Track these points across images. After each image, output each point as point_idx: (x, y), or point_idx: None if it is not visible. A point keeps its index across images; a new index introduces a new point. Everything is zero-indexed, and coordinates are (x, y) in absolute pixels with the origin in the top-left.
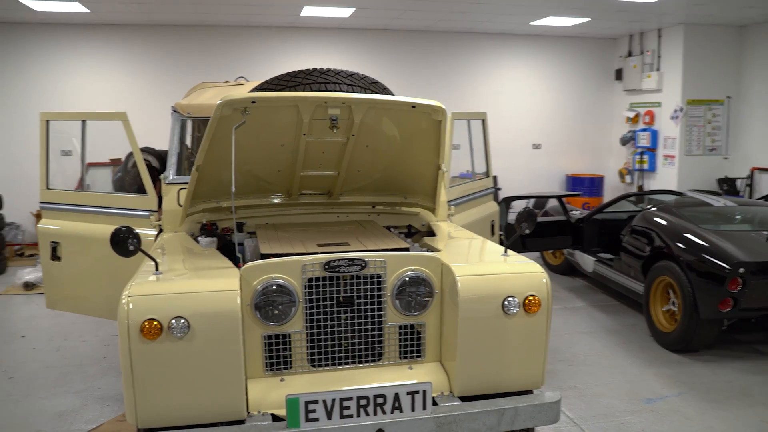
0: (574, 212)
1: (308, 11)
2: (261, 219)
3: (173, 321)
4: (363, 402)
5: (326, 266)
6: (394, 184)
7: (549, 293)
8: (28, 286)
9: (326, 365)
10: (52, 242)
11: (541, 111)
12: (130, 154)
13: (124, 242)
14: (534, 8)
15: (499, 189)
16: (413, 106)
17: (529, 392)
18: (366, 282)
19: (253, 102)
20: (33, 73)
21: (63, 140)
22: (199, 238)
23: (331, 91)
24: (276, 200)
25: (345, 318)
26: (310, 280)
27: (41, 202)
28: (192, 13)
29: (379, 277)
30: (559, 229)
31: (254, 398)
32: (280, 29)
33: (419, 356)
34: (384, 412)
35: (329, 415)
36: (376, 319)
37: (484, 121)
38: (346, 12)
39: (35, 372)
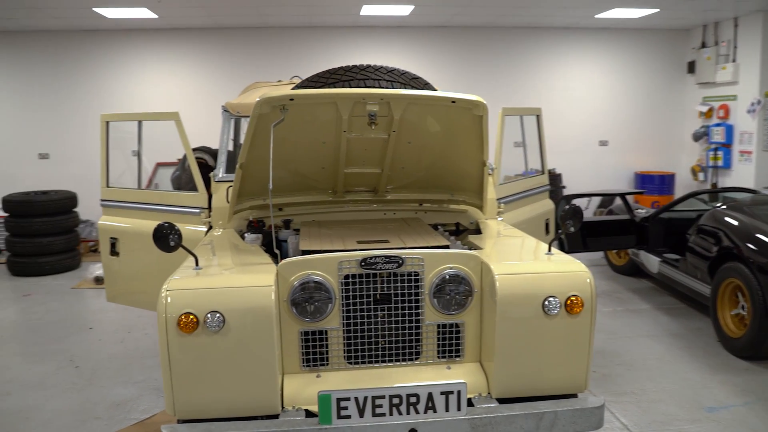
0: (639, 211)
1: (368, 10)
2: (308, 216)
3: (209, 315)
4: (396, 401)
5: (362, 263)
6: (441, 181)
7: (593, 294)
8: (99, 280)
9: (363, 363)
10: (111, 238)
11: (608, 107)
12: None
13: (166, 238)
14: (600, 0)
15: (563, 187)
16: (453, 101)
17: (572, 396)
18: (403, 280)
19: (291, 99)
20: (105, 78)
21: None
22: (246, 235)
23: (369, 87)
24: (322, 198)
25: (382, 316)
26: (346, 276)
27: (102, 200)
28: (254, 15)
29: (417, 274)
30: (623, 229)
31: (290, 393)
32: (341, 29)
33: (458, 356)
34: (417, 412)
35: (361, 413)
36: (413, 318)
37: (538, 117)
38: (405, 10)
39: (99, 362)
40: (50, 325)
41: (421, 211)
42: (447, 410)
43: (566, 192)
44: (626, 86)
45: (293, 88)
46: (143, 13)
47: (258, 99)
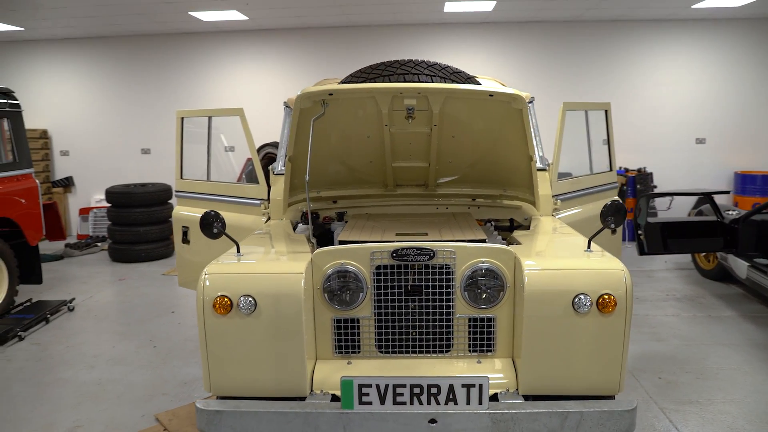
0: (730, 212)
1: (451, 6)
2: (362, 209)
3: (242, 298)
4: (416, 390)
5: (394, 254)
6: (491, 176)
7: (628, 293)
8: None
9: (394, 352)
10: (183, 227)
11: (705, 102)
12: (260, 147)
13: (210, 225)
14: None
15: (654, 187)
16: (491, 94)
17: (606, 398)
18: (435, 272)
19: (330, 94)
20: (200, 77)
21: (226, 137)
22: (298, 225)
23: (408, 81)
24: (374, 191)
25: (413, 307)
26: (378, 267)
27: (176, 191)
28: (339, 14)
29: (448, 267)
30: (710, 231)
31: (320, 378)
32: (424, 26)
33: (489, 351)
34: (438, 403)
35: (382, 400)
36: (444, 310)
37: (607, 112)
38: (488, 5)
39: (175, 343)
40: (138, 308)
41: (474, 206)
42: (468, 403)
43: (658, 192)
44: (725, 80)
45: (339, 83)
46: (234, 15)
47: (298, 94)
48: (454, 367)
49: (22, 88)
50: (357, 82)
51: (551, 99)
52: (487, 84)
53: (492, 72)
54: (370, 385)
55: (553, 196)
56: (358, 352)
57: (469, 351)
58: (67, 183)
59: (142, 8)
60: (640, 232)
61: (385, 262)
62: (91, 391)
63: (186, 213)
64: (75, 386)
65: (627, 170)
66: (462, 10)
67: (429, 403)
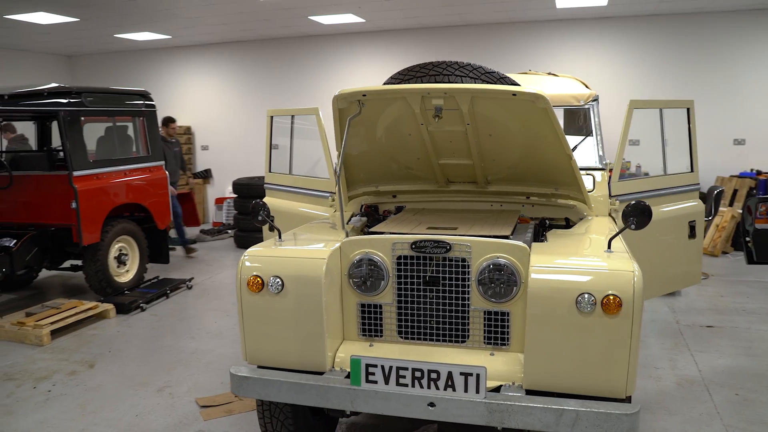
0: None
1: (564, 2)
2: (419, 204)
3: (271, 279)
4: (418, 374)
5: (413, 246)
6: (538, 175)
7: (636, 295)
8: None
9: (413, 338)
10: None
11: None
12: None
13: (256, 213)
14: None
15: None
16: (514, 94)
17: (617, 400)
18: (452, 264)
19: (364, 95)
20: (321, 77)
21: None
22: (353, 217)
23: (438, 82)
24: (430, 187)
25: (432, 297)
26: (399, 257)
27: (265, 183)
28: (451, 14)
29: (465, 261)
30: None
31: (342, 356)
32: (537, 23)
33: (504, 344)
34: (437, 388)
35: (386, 380)
36: (460, 302)
37: (689, 111)
38: (603, 0)
39: None
40: None
41: (528, 204)
42: (466, 391)
43: None
44: None
45: (385, 83)
46: (351, 18)
47: (335, 95)
48: (466, 358)
49: (170, 89)
50: (395, 83)
51: (677, 96)
52: (561, 84)
53: (609, 69)
54: (376, 366)
55: (612, 196)
56: (381, 335)
57: (485, 343)
58: (206, 175)
59: (267, 15)
60: (748, 239)
61: (406, 252)
62: (186, 359)
63: (272, 204)
64: (174, 353)
65: (759, 173)
66: (575, 5)
67: (429, 387)
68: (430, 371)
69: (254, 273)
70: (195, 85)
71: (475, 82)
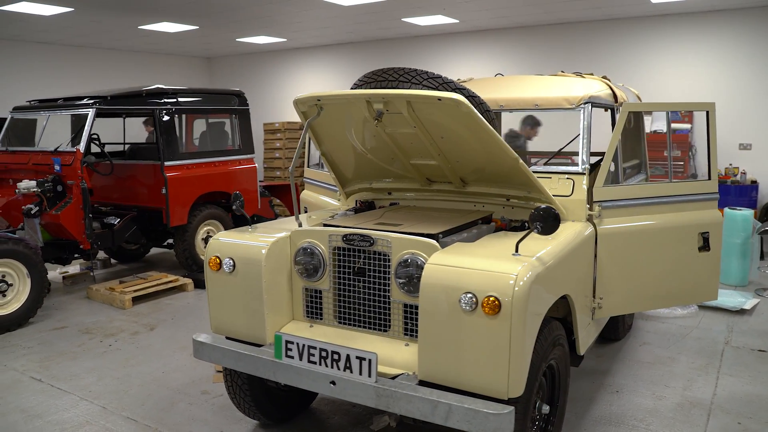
0: None
1: None
2: (411, 201)
3: (226, 259)
4: (323, 354)
5: (344, 239)
6: (506, 177)
7: (517, 298)
8: None
9: (347, 324)
10: (304, 208)
11: None
12: None
13: (233, 203)
14: None
15: None
16: (439, 99)
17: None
18: (376, 258)
19: (319, 100)
20: None
21: None
22: (347, 212)
23: (385, 87)
24: (415, 186)
25: (360, 286)
26: (335, 249)
27: (304, 177)
28: (542, 12)
29: (386, 255)
30: None
31: (285, 332)
32: (631, 20)
33: (416, 336)
34: (338, 368)
35: (300, 357)
36: (383, 293)
37: (708, 114)
38: None
39: None
40: None
41: (508, 206)
42: (360, 374)
43: None
44: None
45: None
46: (444, 19)
47: (294, 99)
48: (384, 346)
49: (287, 87)
50: (356, 88)
51: None
52: (583, 85)
53: (714, 68)
54: (293, 342)
55: (595, 201)
56: (321, 318)
57: (404, 334)
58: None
59: (362, 18)
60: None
61: (339, 244)
62: None
63: (307, 195)
64: None
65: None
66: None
67: (331, 366)
68: (332, 352)
69: (215, 254)
70: (310, 84)
71: (417, 88)
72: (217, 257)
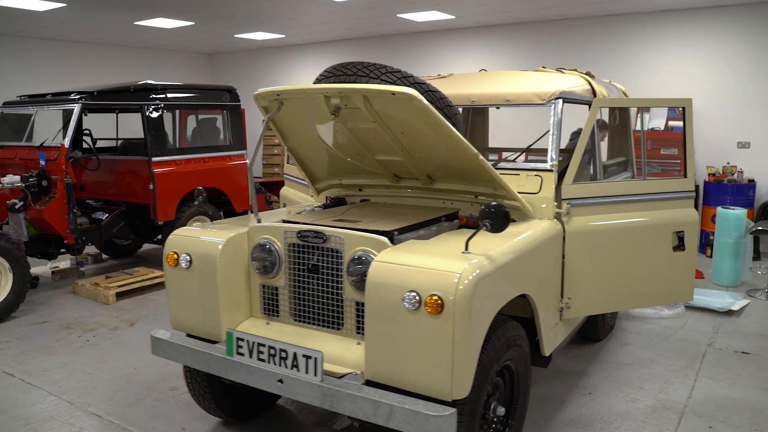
0: None
1: None
2: (382, 198)
3: (183, 255)
4: (272, 352)
5: (298, 235)
6: (472, 174)
7: (461, 297)
8: None
9: (303, 321)
10: (283, 203)
11: None
12: None
13: (196, 199)
14: None
15: None
16: (393, 93)
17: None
18: (330, 255)
19: (278, 95)
20: (418, 73)
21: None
22: (315, 208)
23: (344, 82)
24: (384, 182)
25: (314, 284)
26: (290, 245)
27: (284, 174)
28: (540, 8)
29: (338, 252)
30: None
31: (241, 329)
32: (630, 16)
33: None
34: (286, 366)
35: (250, 354)
36: (336, 291)
37: (685, 110)
38: None
39: None
40: None
41: (476, 203)
42: (307, 372)
43: None
44: None
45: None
46: (440, 15)
47: (254, 93)
48: (336, 344)
49: (287, 83)
50: (316, 83)
51: None
52: (559, 80)
53: (713, 61)
54: (243, 340)
55: (564, 199)
56: (278, 315)
57: (357, 333)
58: None
59: (358, 14)
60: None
61: (294, 241)
62: None
63: (286, 192)
64: None
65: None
66: None
67: (279, 364)
68: (280, 350)
69: (173, 249)
70: (311, 80)
71: (375, 82)
72: (175, 253)
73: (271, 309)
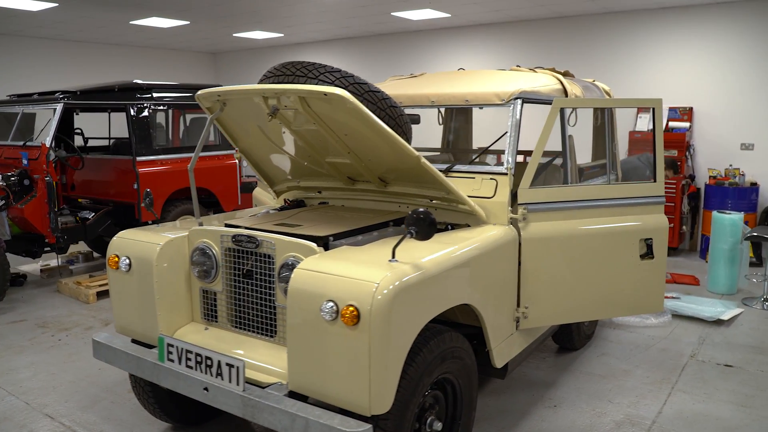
0: None
1: None
2: (340, 201)
3: (123, 258)
4: (198, 359)
5: (233, 239)
6: (419, 178)
7: (378, 308)
8: None
9: (239, 327)
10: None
11: None
12: None
13: (143, 200)
14: None
15: None
16: (325, 94)
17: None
18: (263, 260)
19: (219, 96)
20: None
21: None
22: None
23: (280, 82)
24: (339, 185)
25: (249, 290)
26: (227, 249)
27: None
28: (535, 6)
29: (270, 257)
30: None
31: (180, 334)
32: (629, 13)
33: None
34: (211, 374)
35: (180, 361)
36: (267, 297)
37: (654, 111)
38: None
39: None
40: None
41: (431, 207)
42: (230, 381)
43: None
44: None
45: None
46: (434, 14)
47: (197, 94)
48: (267, 352)
49: None
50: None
51: None
52: (524, 79)
53: (715, 60)
54: (173, 346)
55: (520, 204)
56: (217, 321)
57: None
58: None
59: (352, 12)
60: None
61: (229, 245)
62: None
63: (258, 193)
64: None
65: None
66: None
67: (205, 372)
68: (206, 358)
69: (114, 252)
70: None
71: (313, 82)
72: (116, 255)
73: (210, 314)
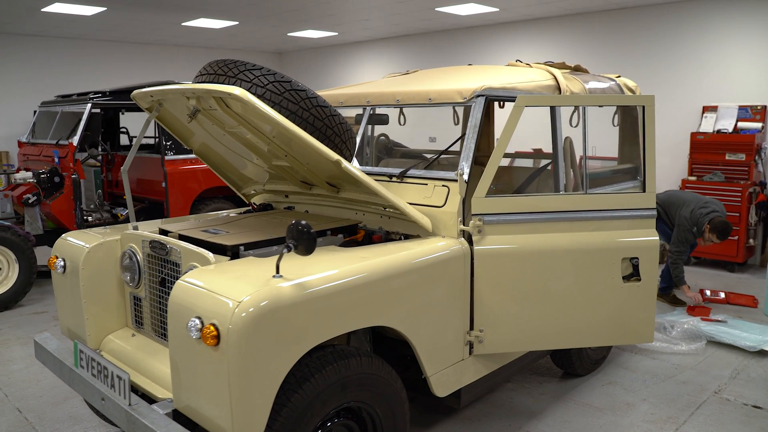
0: None
1: None
2: (305, 206)
3: (59, 260)
4: (100, 368)
5: (150, 245)
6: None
7: (238, 328)
8: None
9: (159, 336)
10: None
11: None
12: None
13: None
14: None
15: None
16: (229, 94)
17: None
18: (172, 268)
19: (152, 96)
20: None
21: None
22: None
23: (211, 82)
24: (298, 189)
25: (165, 298)
26: (148, 255)
27: None
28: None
29: (178, 265)
30: None
31: (107, 340)
32: (695, 2)
33: None
34: (108, 385)
35: (88, 368)
36: None
37: (645, 109)
38: None
39: None
40: None
41: (385, 215)
42: (119, 394)
43: None
44: None
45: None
46: (482, 8)
47: (132, 94)
48: None
49: (338, 81)
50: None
51: None
52: (498, 75)
53: None
54: (83, 352)
55: (474, 214)
56: (143, 327)
57: None
58: None
59: (396, 9)
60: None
61: (148, 251)
62: None
63: None
64: None
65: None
66: None
67: (104, 382)
68: (104, 367)
69: (54, 253)
70: (359, 77)
71: (230, 82)
72: (55, 256)
73: (139, 321)
